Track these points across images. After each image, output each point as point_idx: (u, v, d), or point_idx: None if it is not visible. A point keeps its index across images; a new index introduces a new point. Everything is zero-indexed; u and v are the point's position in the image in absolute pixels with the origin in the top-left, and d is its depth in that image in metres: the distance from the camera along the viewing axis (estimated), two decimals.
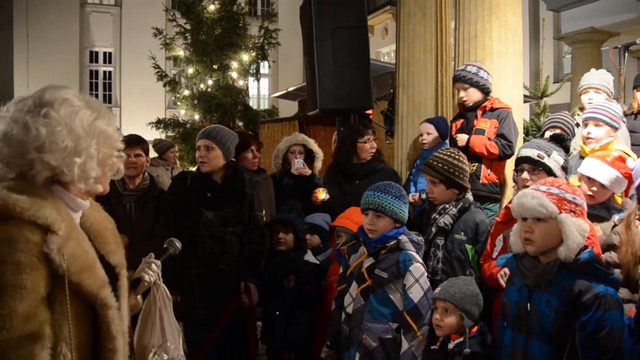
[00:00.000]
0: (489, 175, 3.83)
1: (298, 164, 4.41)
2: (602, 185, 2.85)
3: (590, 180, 2.88)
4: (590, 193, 2.85)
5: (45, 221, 1.36)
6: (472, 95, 3.93)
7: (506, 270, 2.55)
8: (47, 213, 1.38)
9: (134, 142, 3.86)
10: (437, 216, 3.03)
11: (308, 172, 4.43)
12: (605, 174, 2.85)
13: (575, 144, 4.14)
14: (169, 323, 1.99)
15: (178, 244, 2.18)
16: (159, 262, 1.97)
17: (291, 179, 4.44)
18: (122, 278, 1.63)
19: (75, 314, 1.42)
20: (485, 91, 3.94)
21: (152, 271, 1.92)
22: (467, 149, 3.77)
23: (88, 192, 1.55)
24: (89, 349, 1.47)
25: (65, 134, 1.44)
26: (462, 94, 3.95)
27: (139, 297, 1.92)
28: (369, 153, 3.96)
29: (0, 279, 1.30)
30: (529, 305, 2.17)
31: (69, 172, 1.45)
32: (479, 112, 3.93)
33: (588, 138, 3.49)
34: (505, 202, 3.60)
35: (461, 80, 3.93)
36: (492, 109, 3.89)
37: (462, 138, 3.83)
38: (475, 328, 2.56)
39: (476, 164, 3.84)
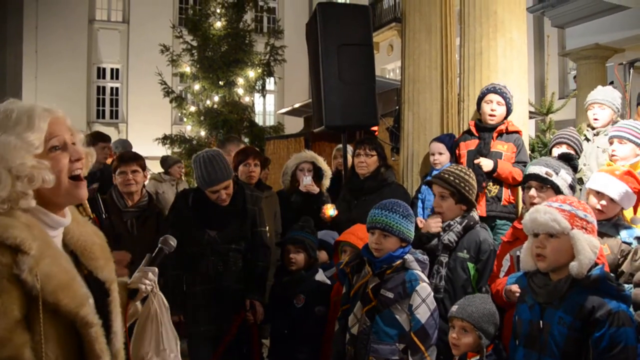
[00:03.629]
0: (509, 197, 3.83)
1: (306, 181, 4.41)
2: (612, 200, 2.83)
3: (599, 195, 2.85)
4: (600, 207, 2.82)
5: (14, 241, 1.30)
6: (501, 114, 3.91)
7: (516, 286, 2.52)
8: (16, 233, 1.32)
9: (129, 158, 3.84)
10: (441, 233, 3.00)
11: (316, 189, 4.42)
12: (614, 188, 2.82)
13: (585, 160, 4.13)
14: (166, 331, 1.94)
15: (173, 242, 2.07)
16: (155, 270, 1.92)
17: (299, 195, 4.44)
18: (112, 293, 1.58)
19: (57, 335, 1.37)
20: (507, 116, 3.96)
21: (149, 280, 1.88)
22: (489, 173, 3.78)
23: (57, 207, 1.48)
24: None
25: None
26: (494, 107, 3.90)
27: (137, 303, 1.89)
28: (359, 168, 3.94)
29: None
30: (541, 322, 2.15)
31: None
32: (495, 135, 3.91)
33: (613, 156, 3.49)
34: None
35: (502, 95, 3.89)
36: (508, 132, 3.89)
37: (487, 164, 3.78)
38: (491, 347, 2.53)
39: (498, 187, 3.83)
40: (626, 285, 2.60)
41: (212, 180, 3.31)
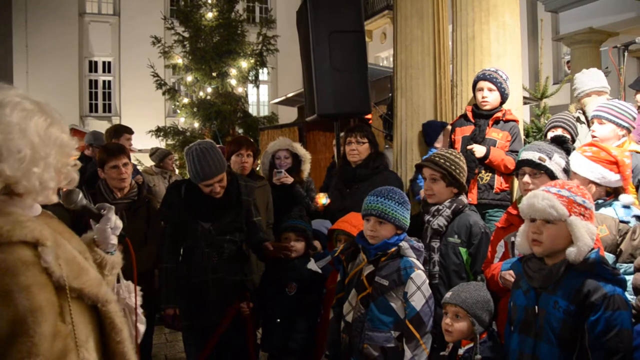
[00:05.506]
0: (502, 184, 3.80)
1: (279, 175, 4.37)
2: (589, 180, 2.77)
3: (574, 175, 2.81)
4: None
5: (32, 235, 1.30)
6: (494, 99, 3.86)
7: (511, 272, 2.50)
8: (31, 226, 1.32)
9: (118, 151, 3.79)
10: (430, 218, 2.99)
11: (289, 180, 4.39)
12: (585, 167, 2.78)
13: (579, 143, 4.11)
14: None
15: (74, 195, 1.71)
16: (114, 218, 1.74)
17: (275, 188, 4.41)
18: (88, 261, 1.55)
19: (84, 318, 1.40)
20: (503, 101, 3.91)
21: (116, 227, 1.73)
22: (481, 160, 3.76)
23: (42, 201, 1.47)
24: (100, 347, 1.46)
25: (21, 140, 1.33)
26: (485, 93, 3.85)
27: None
28: (350, 156, 3.90)
29: (17, 310, 1.23)
30: (536, 307, 2.15)
31: (27, 183, 1.35)
32: (490, 122, 3.87)
33: (593, 137, 3.46)
34: None
35: (491, 80, 3.83)
36: (505, 121, 3.86)
37: (480, 150, 3.76)
38: (485, 334, 2.52)
39: (490, 174, 3.81)
40: (624, 265, 2.60)
41: (205, 175, 3.22)
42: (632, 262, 2.65)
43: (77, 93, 18.66)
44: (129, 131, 5.68)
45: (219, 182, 3.28)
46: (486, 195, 3.81)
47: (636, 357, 2.05)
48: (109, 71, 19.46)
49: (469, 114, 3.98)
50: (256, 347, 3.60)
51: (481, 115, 3.92)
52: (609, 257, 2.63)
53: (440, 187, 2.99)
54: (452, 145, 4.05)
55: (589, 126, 4.16)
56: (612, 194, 2.85)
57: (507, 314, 2.37)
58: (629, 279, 2.50)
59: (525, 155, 2.79)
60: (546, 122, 4.65)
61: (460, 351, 2.53)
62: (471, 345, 2.49)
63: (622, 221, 2.73)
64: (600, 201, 2.79)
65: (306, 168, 4.59)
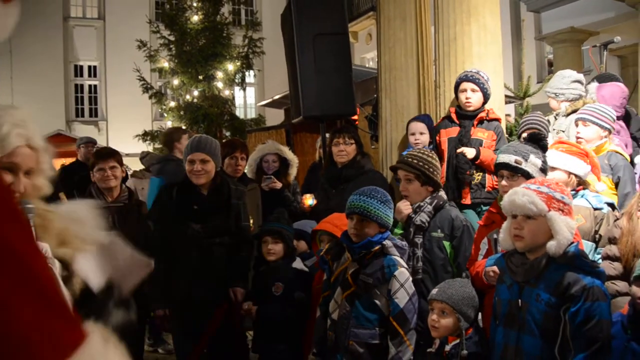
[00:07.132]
0: (493, 183, 3.85)
1: (268, 180, 4.41)
2: (568, 172, 2.92)
3: (553, 169, 2.93)
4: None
5: None
6: (477, 100, 3.91)
7: (494, 268, 2.56)
8: None
9: (107, 154, 3.84)
10: (412, 215, 3.03)
11: (278, 185, 4.44)
12: (563, 160, 2.93)
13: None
14: None
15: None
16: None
17: (262, 193, 4.45)
18: None
19: None
20: (485, 102, 3.96)
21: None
22: (472, 161, 3.81)
23: None
24: None
25: None
26: (469, 94, 3.90)
27: None
28: (339, 157, 3.94)
29: None
30: (520, 301, 2.21)
31: None
32: (475, 122, 3.93)
33: (578, 138, 3.57)
34: None
35: (475, 81, 3.88)
36: (488, 120, 3.92)
37: (470, 151, 3.80)
38: (471, 329, 2.57)
39: (481, 174, 3.86)
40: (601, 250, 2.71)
41: (193, 147, 3.38)
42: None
43: (62, 98, 18.54)
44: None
45: (201, 161, 3.35)
46: (478, 194, 3.85)
47: (613, 344, 2.12)
48: (95, 75, 19.35)
49: (453, 116, 4.03)
50: (247, 348, 3.62)
51: (465, 116, 3.97)
52: (588, 245, 2.71)
53: (416, 187, 3.04)
54: (437, 146, 4.10)
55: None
56: (580, 185, 2.98)
57: (492, 309, 2.44)
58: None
59: (502, 158, 2.82)
60: (521, 122, 4.72)
61: (447, 347, 2.57)
62: (457, 341, 2.54)
63: (595, 209, 2.85)
64: (572, 193, 2.88)
65: (293, 172, 4.64)
